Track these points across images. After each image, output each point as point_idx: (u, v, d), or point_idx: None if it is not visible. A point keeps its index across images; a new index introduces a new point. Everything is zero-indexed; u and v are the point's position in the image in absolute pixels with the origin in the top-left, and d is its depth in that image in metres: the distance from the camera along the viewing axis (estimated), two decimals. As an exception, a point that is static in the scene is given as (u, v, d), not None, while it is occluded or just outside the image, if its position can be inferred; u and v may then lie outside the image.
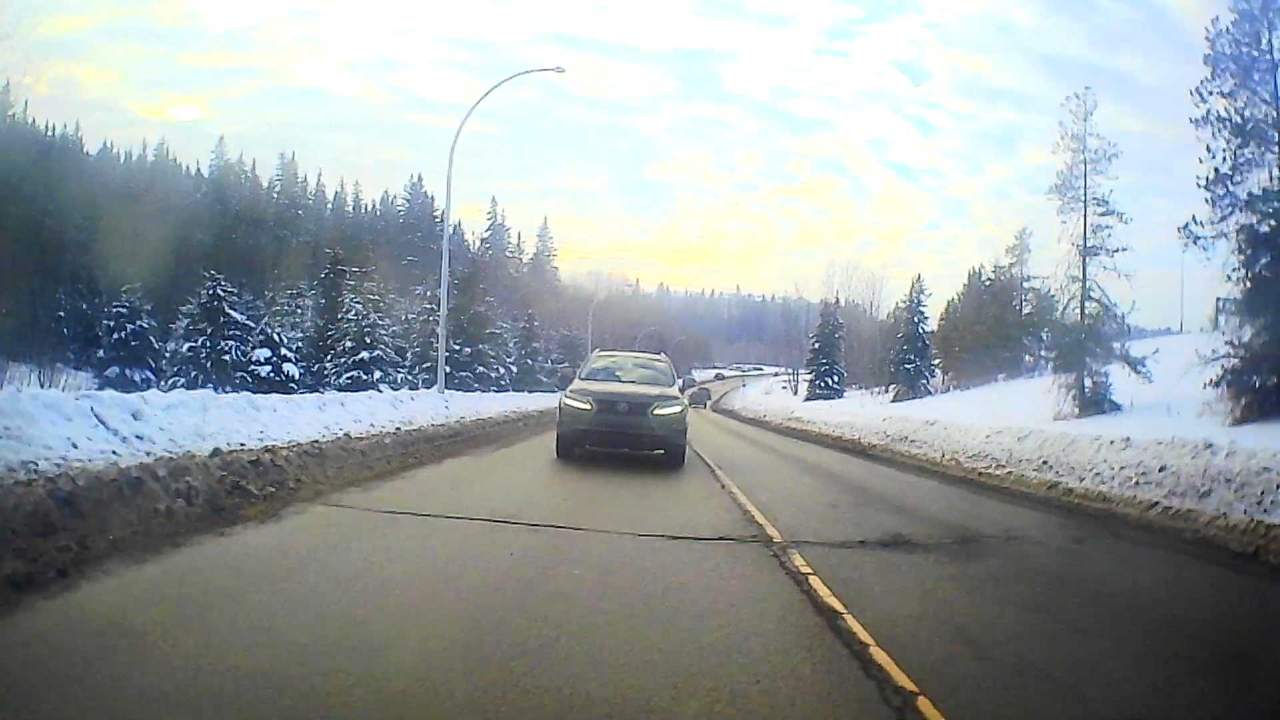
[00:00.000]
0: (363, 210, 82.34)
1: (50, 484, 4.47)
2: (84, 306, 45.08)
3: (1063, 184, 22.24)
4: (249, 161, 74.58)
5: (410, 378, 31.06)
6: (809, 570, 5.00)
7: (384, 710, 2.72)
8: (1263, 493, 7.21)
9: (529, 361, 47.04)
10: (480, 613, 3.87)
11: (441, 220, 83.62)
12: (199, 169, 74.17)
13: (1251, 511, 7.09)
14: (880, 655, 3.44)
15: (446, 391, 17.93)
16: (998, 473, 12.05)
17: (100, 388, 31.76)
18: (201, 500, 5.53)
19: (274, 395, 10.20)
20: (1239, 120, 17.36)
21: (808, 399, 46.77)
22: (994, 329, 39.52)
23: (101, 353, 37.97)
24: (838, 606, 4.21)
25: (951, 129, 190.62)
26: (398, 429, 10.84)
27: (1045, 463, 11.39)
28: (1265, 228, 16.78)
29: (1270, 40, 17.49)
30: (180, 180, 68.85)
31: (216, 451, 6.41)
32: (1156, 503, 8.42)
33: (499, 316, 41.70)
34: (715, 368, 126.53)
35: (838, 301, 52.48)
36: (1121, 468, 9.69)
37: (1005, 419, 17.77)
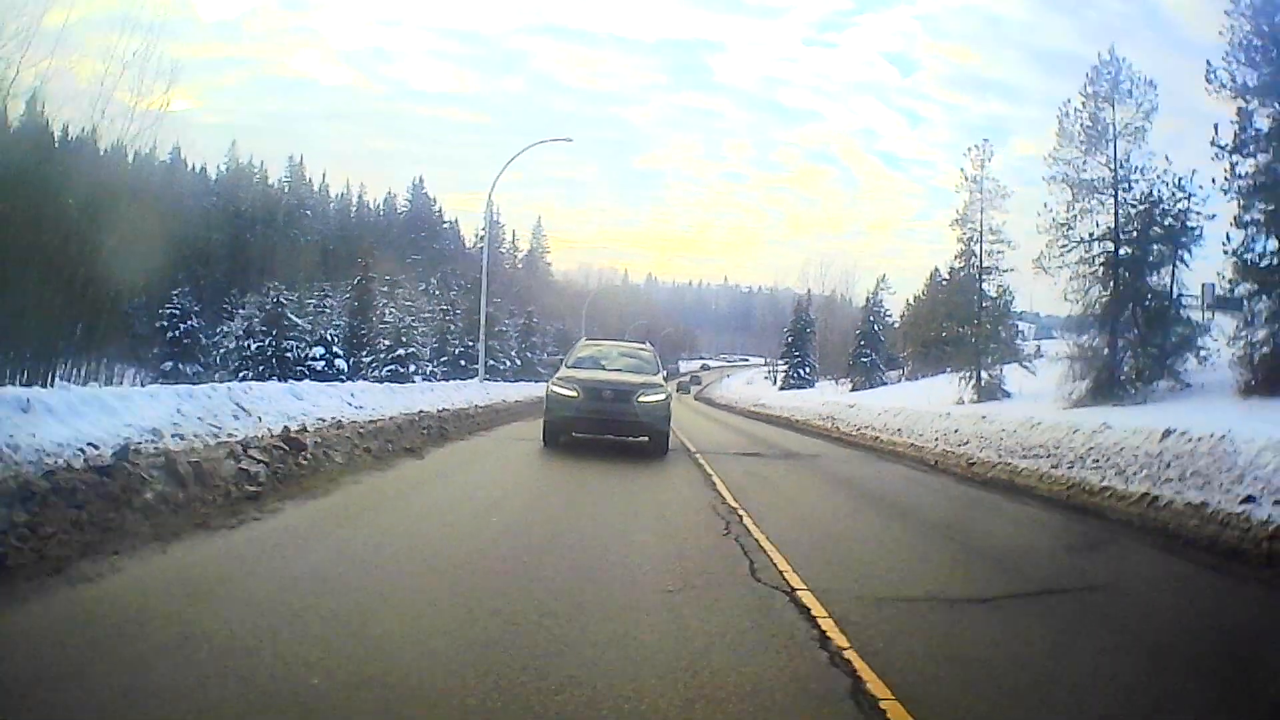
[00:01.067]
0: (366, 210, 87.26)
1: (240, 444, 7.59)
2: (128, 307, 50.01)
3: (962, 218, 28.03)
4: (257, 161, 78.38)
5: (434, 370, 36.53)
6: (710, 470, 10.56)
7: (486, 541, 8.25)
8: (1011, 445, 13.00)
9: (529, 354, 52.63)
10: (531, 498, 9.51)
11: (442, 221, 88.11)
12: (204, 168, 77.36)
13: (1004, 455, 12.73)
14: (727, 495, 8.96)
15: (485, 382, 23.60)
16: (865, 433, 17.87)
17: (155, 381, 36.75)
18: (381, 447, 11.03)
19: (360, 382, 15.46)
20: (1081, 178, 23.11)
21: (781, 388, 52.60)
22: (944, 326, 44.97)
23: (156, 349, 43.22)
24: (710, 472, 9.84)
25: (940, 120, 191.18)
26: (473, 405, 16.47)
27: (899, 430, 17.14)
28: (1099, 261, 22.61)
29: (1110, 118, 23.21)
30: (190, 179, 72.33)
31: (338, 423, 11.84)
32: (947, 451, 14.10)
33: (504, 315, 47.39)
34: (702, 358, 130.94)
35: (809, 298, 58.24)
36: (938, 432, 15.45)
37: (906, 403, 23.60)
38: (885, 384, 47.57)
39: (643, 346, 14.62)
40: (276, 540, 4.87)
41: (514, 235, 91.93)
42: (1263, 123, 18.70)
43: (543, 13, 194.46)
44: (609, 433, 11.39)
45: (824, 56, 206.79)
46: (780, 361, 59.85)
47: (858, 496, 9.17)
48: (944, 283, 50.36)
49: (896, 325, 51.59)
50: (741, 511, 6.97)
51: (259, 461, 6.68)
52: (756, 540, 5.68)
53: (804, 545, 5.72)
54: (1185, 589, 5.29)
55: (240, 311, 38.36)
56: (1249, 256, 18.89)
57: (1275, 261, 18.37)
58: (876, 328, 49.81)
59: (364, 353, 35.46)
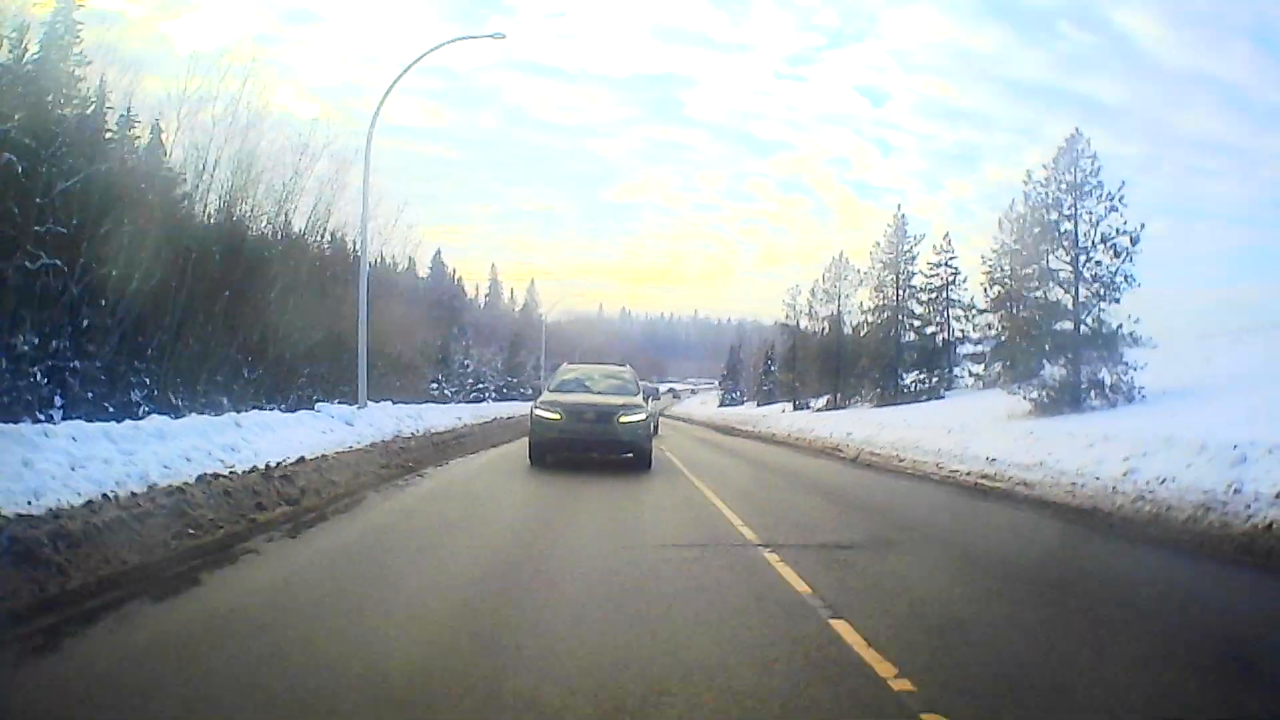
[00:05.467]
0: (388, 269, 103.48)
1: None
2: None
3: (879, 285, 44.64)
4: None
5: (483, 396, 53.06)
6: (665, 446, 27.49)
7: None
8: (801, 426, 30.54)
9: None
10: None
11: (463, 292, 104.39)
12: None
13: (795, 431, 30.11)
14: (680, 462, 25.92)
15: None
16: (742, 427, 35.37)
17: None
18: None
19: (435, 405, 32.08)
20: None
21: (720, 406, 70.26)
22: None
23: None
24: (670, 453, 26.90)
25: (912, 148, 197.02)
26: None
27: (755, 423, 34.53)
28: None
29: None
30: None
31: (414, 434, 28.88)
32: (779, 432, 31.32)
33: (527, 363, 64.59)
34: (670, 383, 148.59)
35: (739, 344, 76.25)
36: (786, 426, 32.90)
37: (799, 412, 41.27)
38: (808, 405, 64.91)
39: (623, 369, 15.22)
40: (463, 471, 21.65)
41: (512, 292, 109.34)
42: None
43: (515, 49, 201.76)
44: (592, 451, 11.94)
45: (795, 90, 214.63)
46: (722, 386, 78.11)
47: (728, 453, 26.26)
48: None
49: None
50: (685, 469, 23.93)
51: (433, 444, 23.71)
52: (685, 475, 22.63)
53: (700, 469, 22.76)
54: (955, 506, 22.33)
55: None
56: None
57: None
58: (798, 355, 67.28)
59: (454, 389, 51.81)
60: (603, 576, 5.19)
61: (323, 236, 30.83)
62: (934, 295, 43.79)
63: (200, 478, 6.46)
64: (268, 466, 7.70)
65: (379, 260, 37.10)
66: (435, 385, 46.26)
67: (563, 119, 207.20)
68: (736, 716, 2.95)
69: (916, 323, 43.86)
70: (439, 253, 63.02)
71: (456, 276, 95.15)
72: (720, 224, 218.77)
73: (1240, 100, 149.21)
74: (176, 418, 10.19)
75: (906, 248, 44.13)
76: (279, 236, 27.74)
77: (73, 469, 6.08)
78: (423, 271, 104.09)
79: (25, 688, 2.99)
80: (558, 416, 11.94)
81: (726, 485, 11.10)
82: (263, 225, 27.03)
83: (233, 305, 23.97)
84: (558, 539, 6.67)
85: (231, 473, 7.03)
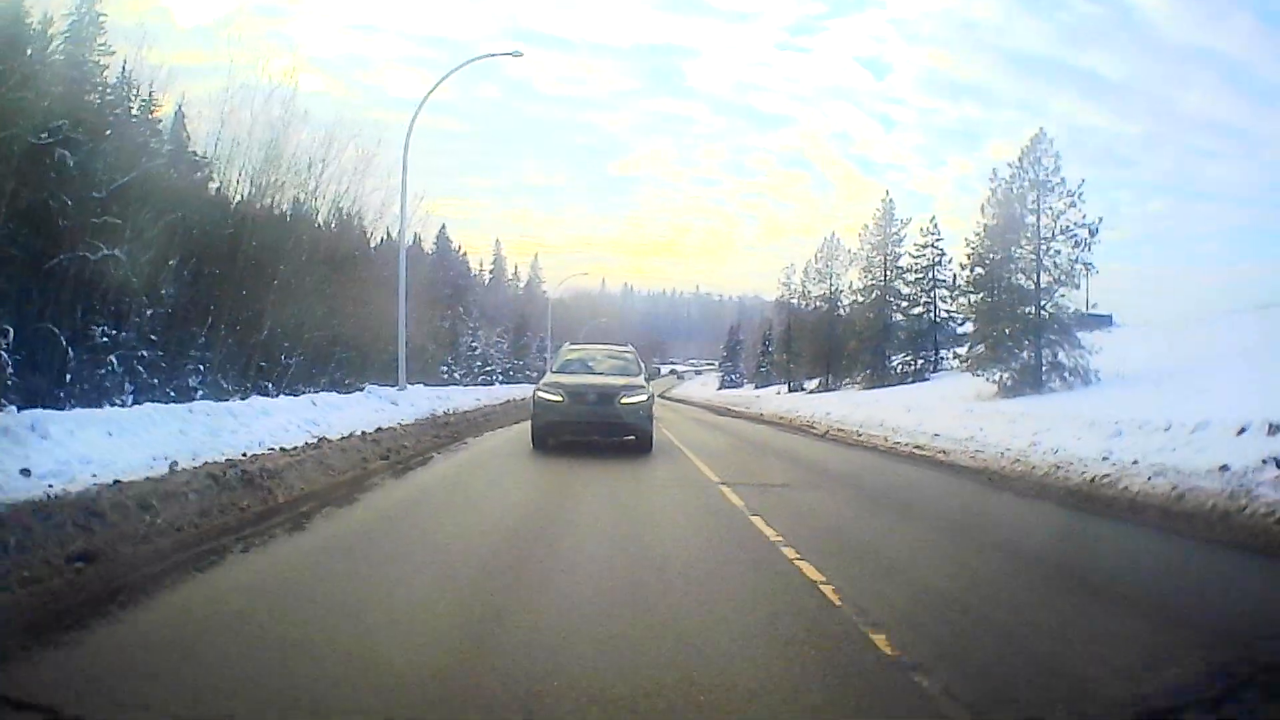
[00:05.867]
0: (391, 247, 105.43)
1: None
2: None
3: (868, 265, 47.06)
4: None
5: (491, 380, 55.44)
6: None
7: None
8: (778, 406, 33.05)
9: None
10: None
11: (467, 268, 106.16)
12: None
13: (770, 410, 32.62)
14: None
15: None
16: (741, 409, 37.82)
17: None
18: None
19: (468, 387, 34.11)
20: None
21: (719, 389, 72.76)
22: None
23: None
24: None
25: (914, 124, 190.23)
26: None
27: (748, 405, 37.00)
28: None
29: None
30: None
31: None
32: (767, 412, 33.80)
33: (531, 345, 66.94)
34: (672, 363, 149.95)
35: (739, 326, 78.52)
36: (776, 406, 35.41)
37: (792, 395, 43.72)
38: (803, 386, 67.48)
39: (625, 349, 15.29)
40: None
41: (516, 268, 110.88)
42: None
43: (517, 19, 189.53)
44: (594, 434, 11.94)
45: (797, 61, 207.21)
46: (722, 367, 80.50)
47: (715, 429, 28.81)
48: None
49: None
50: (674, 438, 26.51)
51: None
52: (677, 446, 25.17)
53: (705, 453, 25.30)
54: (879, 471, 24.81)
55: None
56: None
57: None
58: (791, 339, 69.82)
59: (459, 371, 54.26)
60: (614, 492, 8.44)
61: (345, 221, 33.10)
62: (920, 275, 45.99)
63: (319, 441, 8.97)
64: (363, 434, 10.26)
65: (385, 236, 38.66)
66: (445, 369, 48.88)
67: (564, 90, 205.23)
68: (681, 553, 5.43)
69: (904, 303, 46.20)
70: (444, 228, 63.59)
71: (462, 253, 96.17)
72: (722, 198, 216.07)
73: (1242, 78, 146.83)
74: (221, 400, 12.73)
75: (894, 230, 46.44)
76: (308, 225, 29.99)
77: (214, 434, 8.57)
78: (427, 246, 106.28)
79: (285, 550, 5.30)
80: (560, 399, 11.98)
81: (706, 451, 13.66)
82: (289, 213, 29.26)
83: (274, 293, 26.38)
84: (583, 473, 9.86)
85: (322, 440, 9.49)
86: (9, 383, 16.01)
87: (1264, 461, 6.86)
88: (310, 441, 8.89)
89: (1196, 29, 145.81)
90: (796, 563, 5.02)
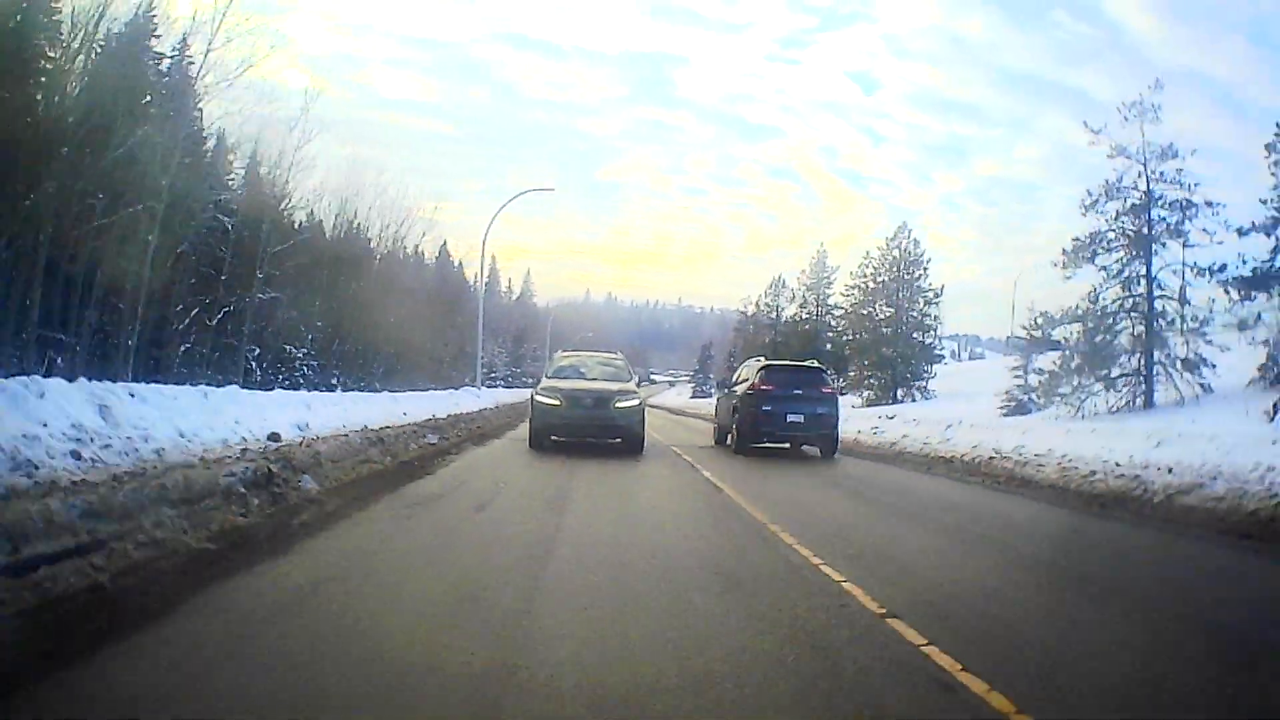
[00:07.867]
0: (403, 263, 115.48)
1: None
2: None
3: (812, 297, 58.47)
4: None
5: (493, 385, 66.74)
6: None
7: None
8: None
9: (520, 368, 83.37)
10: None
11: (465, 281, 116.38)
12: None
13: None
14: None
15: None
16: (694, 411, 49.22)
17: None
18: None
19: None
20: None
21: (691, 397, 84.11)
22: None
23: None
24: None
25: (902, 139, 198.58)
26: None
27: (699, 408, 48.50)
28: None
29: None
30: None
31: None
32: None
33: (527, 354, 78.43)
34: (653, 373, 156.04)
35: (710, 345, 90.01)
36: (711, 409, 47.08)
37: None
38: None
39: (616, 356, 16.06)
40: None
41: (509, 282, 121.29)
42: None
43: (506, 21, 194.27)
44: (589, 436, 12.64)
45: (787, 73, 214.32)
46: (696, 377, 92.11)
47: (670, 421, 40.02)
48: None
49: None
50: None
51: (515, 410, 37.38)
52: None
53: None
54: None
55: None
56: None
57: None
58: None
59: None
60: (613, 448, 13.23)
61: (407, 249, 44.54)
62: (847, 312, 57.21)
63: (414, 422, 20.35)
64: (450, 416, 21.57)
65: (389, 247, 47.74)
66: (455, 375, 59.82)
67: (554, 95, 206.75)
68: (644, 502, 9.19)
69: (832, 334, 57.72)
70: (445, 244, 69.55)
71: (459, 266, 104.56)
72: (708, 208, 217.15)
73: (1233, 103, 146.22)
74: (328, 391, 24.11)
75: (826, 276, 58.00)
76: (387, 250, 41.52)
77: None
78: (429, 255, 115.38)
79: (413, 485, 7.96)
80: (557, 403, 12.61)
81: (660, 430, 24.68)
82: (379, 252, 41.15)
83: (360, 312, 37.80)
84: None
85: (406, 422, 20.56)
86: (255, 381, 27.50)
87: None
88: (394, 424, 13.77)
89: (1185, 50, 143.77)
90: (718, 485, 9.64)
